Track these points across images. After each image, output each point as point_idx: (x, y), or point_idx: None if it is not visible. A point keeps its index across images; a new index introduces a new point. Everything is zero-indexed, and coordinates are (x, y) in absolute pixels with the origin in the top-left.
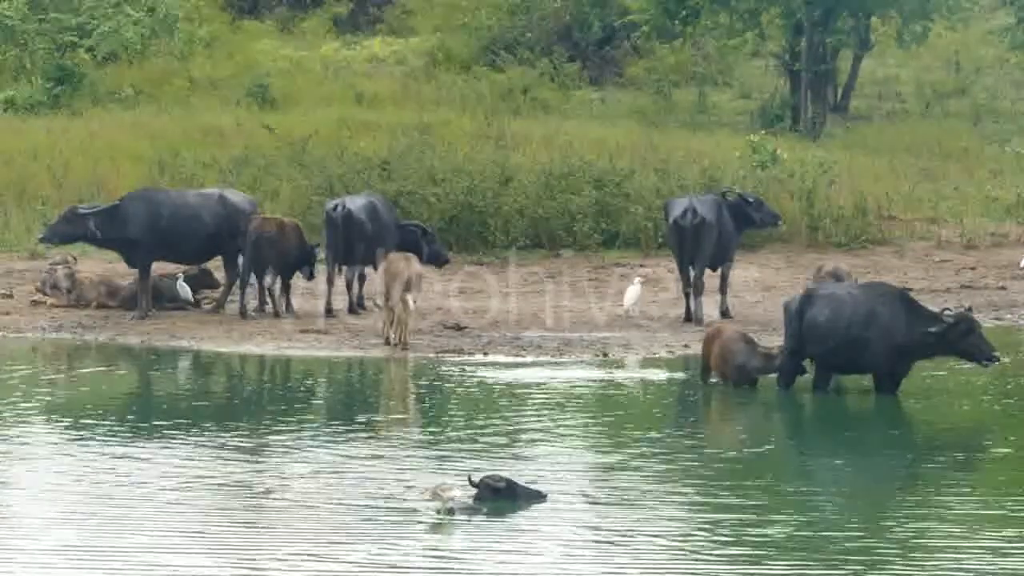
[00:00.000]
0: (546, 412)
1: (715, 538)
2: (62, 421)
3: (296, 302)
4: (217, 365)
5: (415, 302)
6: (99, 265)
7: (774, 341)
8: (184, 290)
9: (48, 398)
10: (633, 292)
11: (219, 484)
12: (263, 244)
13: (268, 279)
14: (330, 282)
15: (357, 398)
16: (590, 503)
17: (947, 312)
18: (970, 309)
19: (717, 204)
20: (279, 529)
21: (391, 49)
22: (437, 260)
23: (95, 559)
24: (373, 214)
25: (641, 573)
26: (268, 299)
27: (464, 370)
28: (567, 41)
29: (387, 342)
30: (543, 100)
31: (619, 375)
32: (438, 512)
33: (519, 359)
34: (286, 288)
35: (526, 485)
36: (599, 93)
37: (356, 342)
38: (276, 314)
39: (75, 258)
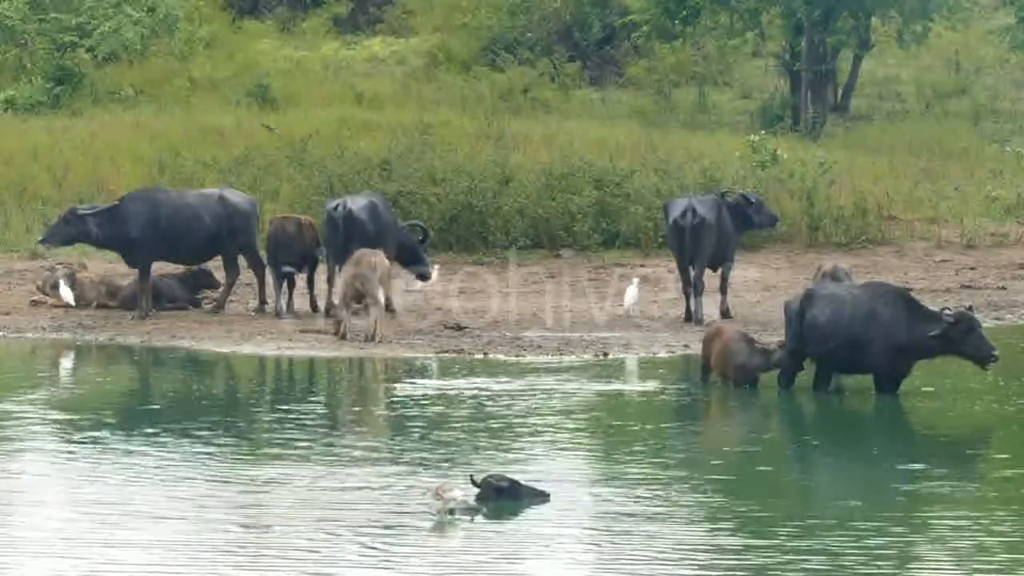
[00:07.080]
0: (547, 412)
1: (717, 540)
2: (60, 422)
3: (296, 302)
4: (217, 365)
5: (384, 297)
6: (99, 265)
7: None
8: (67, 293)
9: (47, 398)
10: (633, 292)
11: (219, 485)
12: (282, 241)
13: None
14: (330, 282)
15: (357, 398)
16: (593, 502)
17: (947, 312)
18: (971, 308)
19: (717, 204)
20: (278, 530)
21: (391, 49)
22: (422, 273)
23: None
24: (374, 214)
25: (643, 573)
26: (265, 298)
27: (464, 369)
28: (567, 41)
29: (342, 337)
30: (543, 100)
31: (619, 375)
32: (439, 513)
33: (519, 359)
34: (290, 286)
35: (529, 484)
36: (599, 93)
37: (356, 342)
38: (277, 314)
39: (85, 265)
